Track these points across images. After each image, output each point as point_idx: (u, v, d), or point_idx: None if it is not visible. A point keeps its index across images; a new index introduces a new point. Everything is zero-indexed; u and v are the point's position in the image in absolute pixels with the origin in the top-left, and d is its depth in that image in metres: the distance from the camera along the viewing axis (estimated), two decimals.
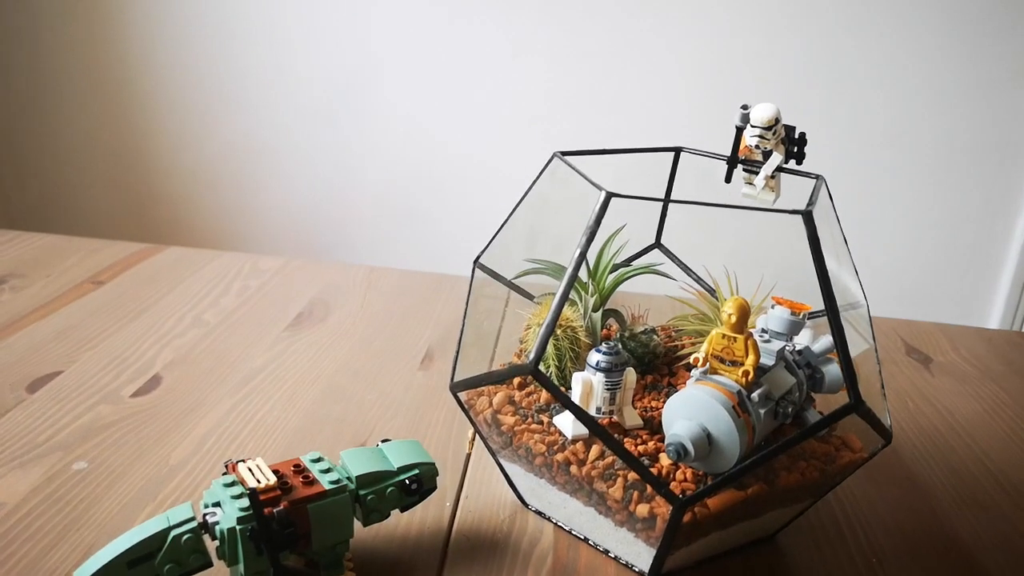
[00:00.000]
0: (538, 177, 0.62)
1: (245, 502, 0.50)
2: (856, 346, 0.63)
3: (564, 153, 0.60)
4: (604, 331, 0.71)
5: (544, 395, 0.62)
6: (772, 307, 0.59)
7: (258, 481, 0.51)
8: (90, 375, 0.78)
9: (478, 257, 0.66)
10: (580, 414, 0.50)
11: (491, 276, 0.66)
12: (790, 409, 0.54)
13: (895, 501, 0.68)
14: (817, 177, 0.60)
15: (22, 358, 0.81)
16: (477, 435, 0.61)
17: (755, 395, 0.53)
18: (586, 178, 0.54)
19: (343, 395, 0.78)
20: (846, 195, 1.70)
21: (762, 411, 0.53)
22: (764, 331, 0.59)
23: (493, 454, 0.62)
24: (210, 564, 0.51)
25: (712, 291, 0.71)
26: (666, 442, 0.52)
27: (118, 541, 0.49)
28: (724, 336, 0.53)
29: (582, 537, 0.60)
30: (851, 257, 0.62)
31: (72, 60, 1.82)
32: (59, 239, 1.13)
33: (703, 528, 0.53)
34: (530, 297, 0.70)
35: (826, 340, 0.59)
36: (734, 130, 0.61)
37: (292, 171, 1.85)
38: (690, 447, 0.51)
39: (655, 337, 0.67)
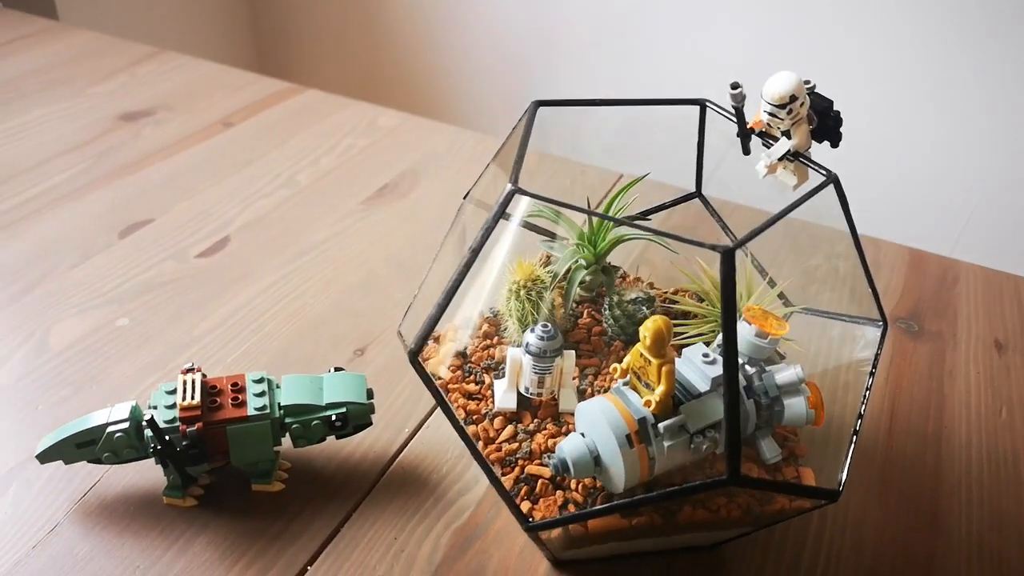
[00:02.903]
0: (516, 126, 0.55)
1: (171, 414, 0.55)
2: (852, 372, 0.54)
3: (541, 103, 0.54)
4: (600, 290, 0.65)
5: (497, 352, 0.60)
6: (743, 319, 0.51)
7: (183, 398, 0.55)
8: (173, 227, 0.87)
9: (467, 193, 0.62)
10: (448, 413, 0.48)
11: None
12: (704, 447, 0.48)
13: (894, 539, 0.59)
14: (828, 175, 0.48)
15: (130, 200, 0.91)
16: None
17: (662, 425, 0.47)
18: (518, 161, 0.47)
19: (374, 288, 0.80)
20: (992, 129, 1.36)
21: (667, 443, 0.47)
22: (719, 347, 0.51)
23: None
24: (146, 456, 0.57)
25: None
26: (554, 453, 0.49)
27: (71, 424, 0.57)
28: (642, 355, 0.47)
29: None
30: (865, 267, 0.51)
31: None
32: (217, 69, 1.21)
33: (590, 540, 0.51)
34: (550, 235, 0.65)
35: (793, 371, 0.50)
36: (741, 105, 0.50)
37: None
38: (571, 466, 0.48)
39: (644, 309, 0.60)
